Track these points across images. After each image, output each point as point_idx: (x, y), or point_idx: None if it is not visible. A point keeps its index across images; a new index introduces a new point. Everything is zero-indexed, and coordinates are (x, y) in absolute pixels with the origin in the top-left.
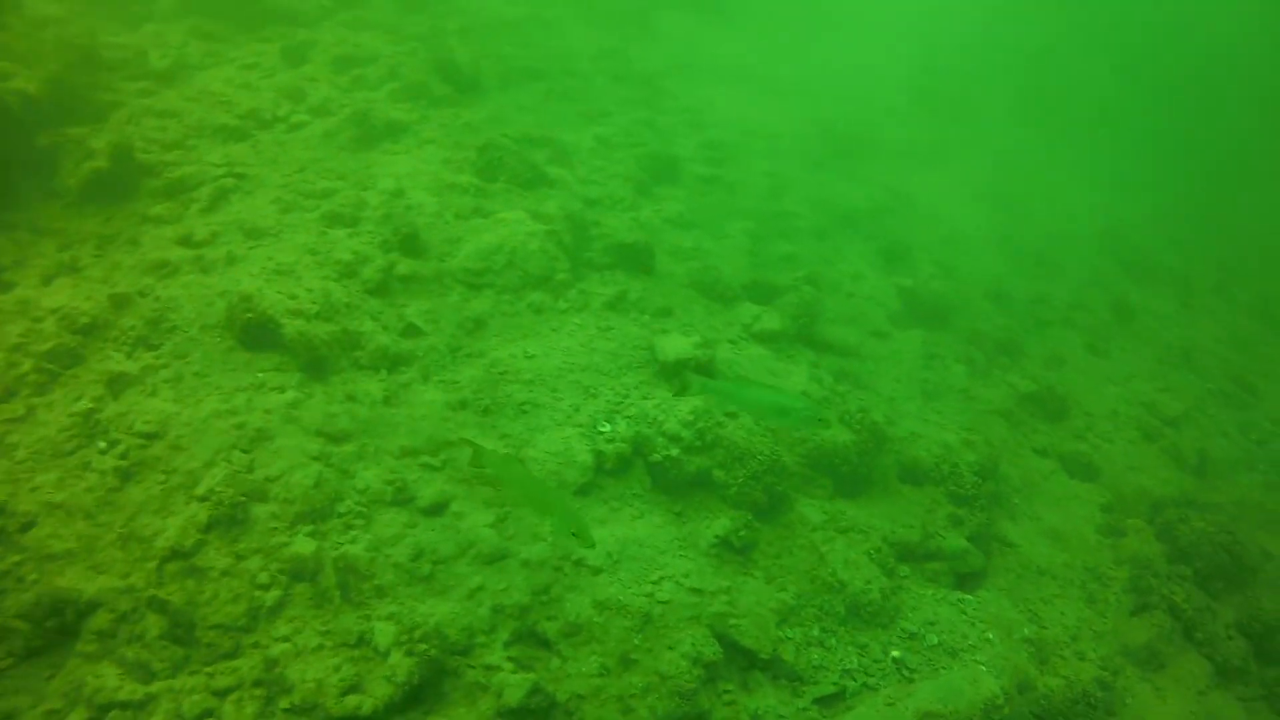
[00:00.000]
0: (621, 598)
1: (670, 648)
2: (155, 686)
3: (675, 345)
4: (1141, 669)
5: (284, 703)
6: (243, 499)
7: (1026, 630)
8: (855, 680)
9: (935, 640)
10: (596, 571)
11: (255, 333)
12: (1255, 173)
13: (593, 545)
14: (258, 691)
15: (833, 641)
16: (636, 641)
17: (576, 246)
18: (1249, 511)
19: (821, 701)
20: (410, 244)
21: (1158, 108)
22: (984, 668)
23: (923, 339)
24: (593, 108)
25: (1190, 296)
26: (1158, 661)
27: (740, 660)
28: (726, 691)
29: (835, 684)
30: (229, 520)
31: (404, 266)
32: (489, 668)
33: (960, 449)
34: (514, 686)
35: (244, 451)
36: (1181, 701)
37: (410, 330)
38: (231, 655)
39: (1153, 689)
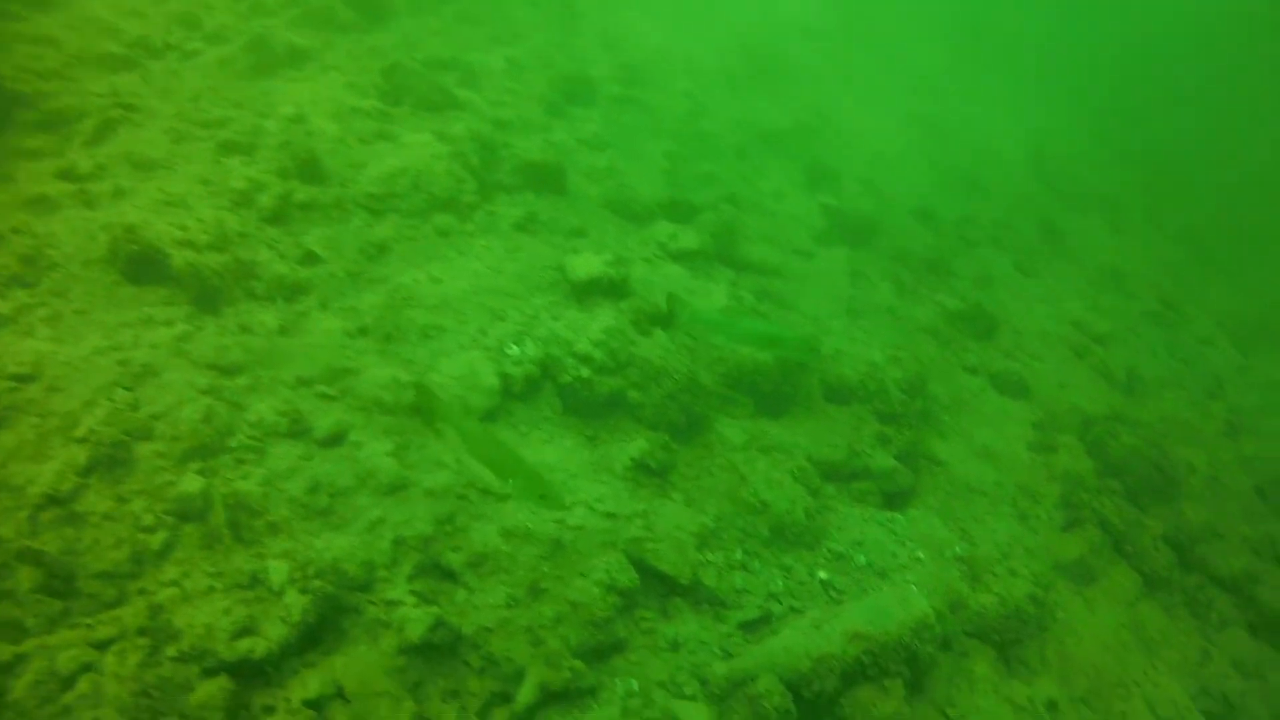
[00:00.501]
0: (530, 525)
1: (583, 575)
2: (27, 645)
3: (586, 264)
4: (1073, 583)
5: (171, 650)
6: (125, 438)
7: (958, 548)
8: (781, 603)
9: (863, 560)
10: (504, 498)
11: (141, 266)
12: (1182, 104)
13: (564, 507)
14: (142, 640)
15: (756, 564)
16: (546, 570)
17: (484, 168)
18: (1174, 427)
19: (746, 626)
20: (310, 170)
21: (1087, 37)
22: (914, 587)
23: (848, 257)
24: (504, 30)
25: (1120, 221)
26: (1089, 575)
27: (659, 586)
28: (645, 619)
29: (760, 608)
30: (110, 461)
31: (303, 193)
32: (391, 603)
33: (887, 367)
34: (416, 621)
35: (127, 389)
36: (1111, 612)
37: (309, 258)
38: (114, 605)
39: (1084, 602)
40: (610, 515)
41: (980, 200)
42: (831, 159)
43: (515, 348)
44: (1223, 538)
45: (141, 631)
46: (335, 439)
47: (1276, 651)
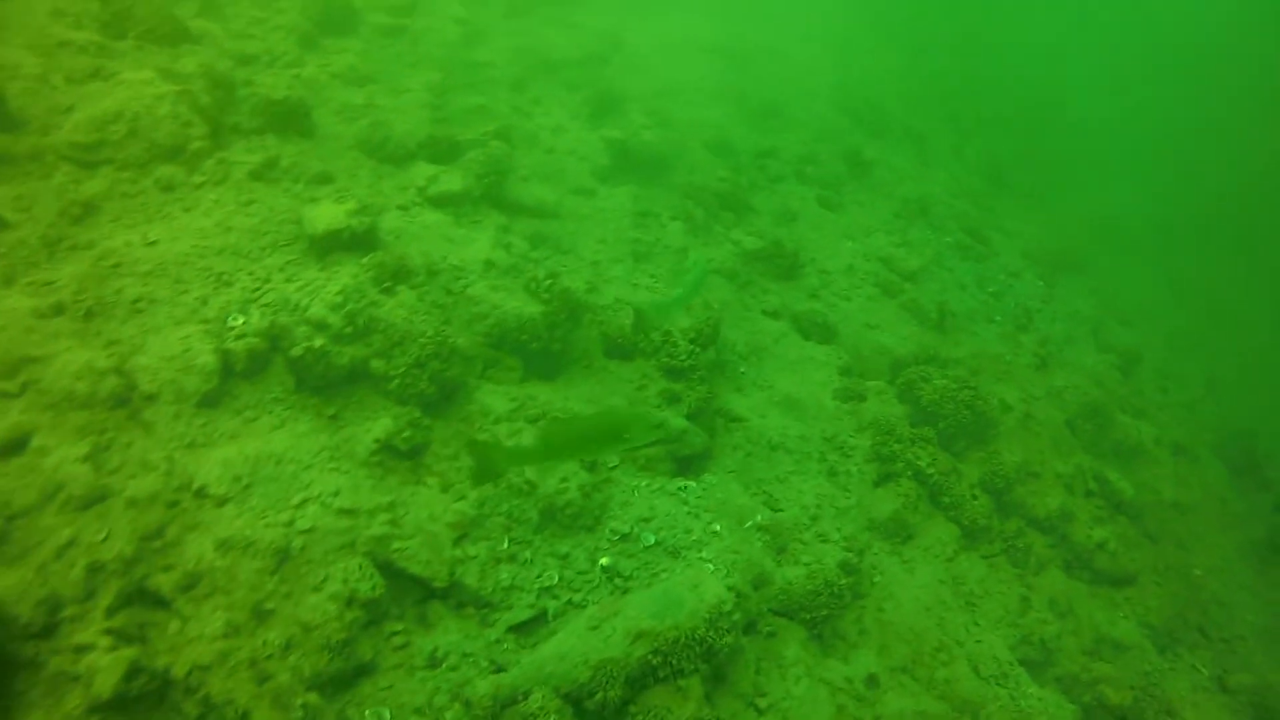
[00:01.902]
0: (251, 532)
1: (315, 589)
2: None
3: (326, 215)
4: (890, 541)
5: None
6: None
7: (760, 516)
8: (558, 598)
9: (652, 540)
10: (221, 502)
11: None
12: (983, 37)
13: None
14: None
15: (527, 555)
16: (271, 586)
17: (219, 109)
18: (987, 363)
19: (518, 629)
20: None
21: None
22: (710, 566)
23: (633, 195)
24: None
25: (927, 154)
26: (906, 532)
27: (412, 592)
28: (395, 634)
29: (532, 607)
30: None
31: None
32: (80, 649)
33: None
34: (106, 671)
35: None
36: (930, 570)
37: None
38: None
39: (901, 562)
40: (348, 512)
41: (784, 130)
42: (621, 89)
43: (240, 318)
44: (1038, 476)
45: None
46: (15, 446)
47: (1085, 585)
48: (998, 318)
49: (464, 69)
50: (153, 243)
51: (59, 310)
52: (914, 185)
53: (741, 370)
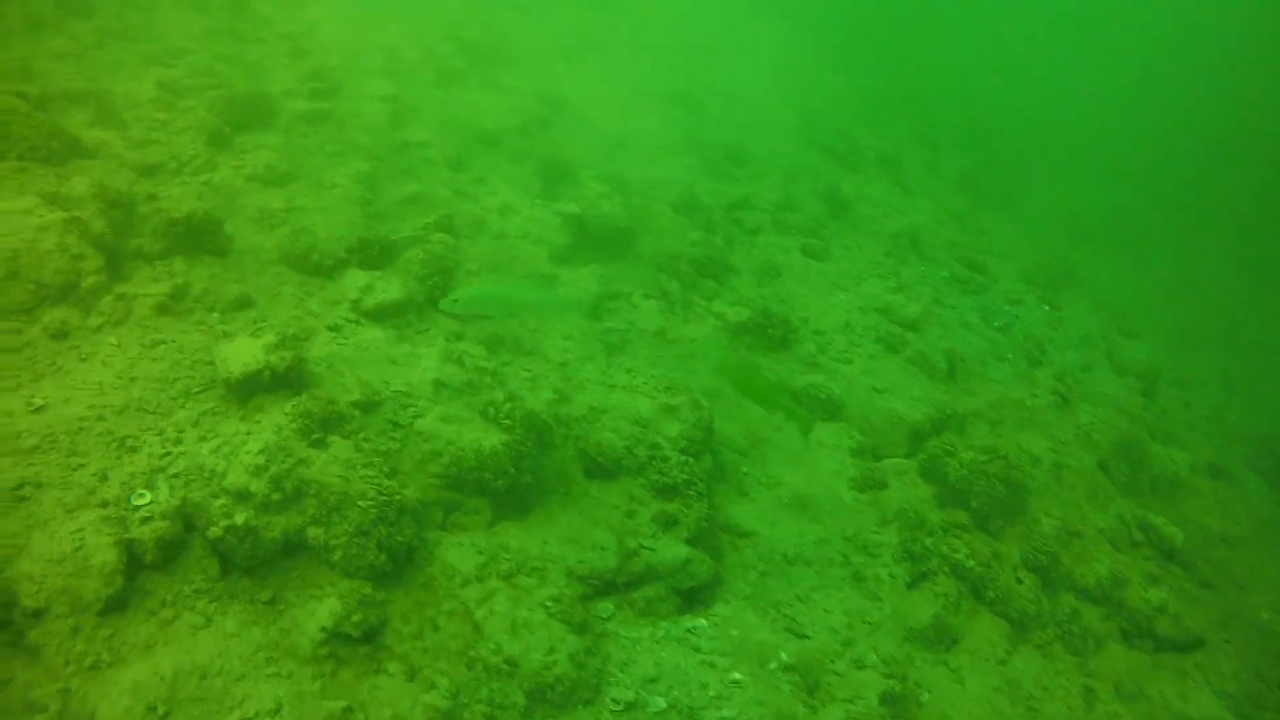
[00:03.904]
0: None
1: None
2: None
3: (242, 354)
4: (933, 651)
5: None
6: None
7: (784, 654)
8: None
9: (663, 704)
10: None
11: None
12: (929, 46)
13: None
14: None
15: None
16: None
17: (116, 234)
18: (1007, 411)
19: None
20: None
21: None
22: None
23: (599, 275)
24: (161, 46)
25: (903, 178)
26: (949, 637)
27: None
28: None
29: None
30: None
31: None
32: None
33: (659, 419)
34: None
35: None
36: (982, 677)
37: None
38: None
39: (949, 672)
40: None
41: (754, 177)
42: (569, 154)
43: (145, 495)
44: (1080, 535)
45: None
46: None
47: (1149, 656)
48: (1009, 355)
49: (395, 153)
50: (39, 408)
51: None
52: (899, 217)
53: (744, 470)
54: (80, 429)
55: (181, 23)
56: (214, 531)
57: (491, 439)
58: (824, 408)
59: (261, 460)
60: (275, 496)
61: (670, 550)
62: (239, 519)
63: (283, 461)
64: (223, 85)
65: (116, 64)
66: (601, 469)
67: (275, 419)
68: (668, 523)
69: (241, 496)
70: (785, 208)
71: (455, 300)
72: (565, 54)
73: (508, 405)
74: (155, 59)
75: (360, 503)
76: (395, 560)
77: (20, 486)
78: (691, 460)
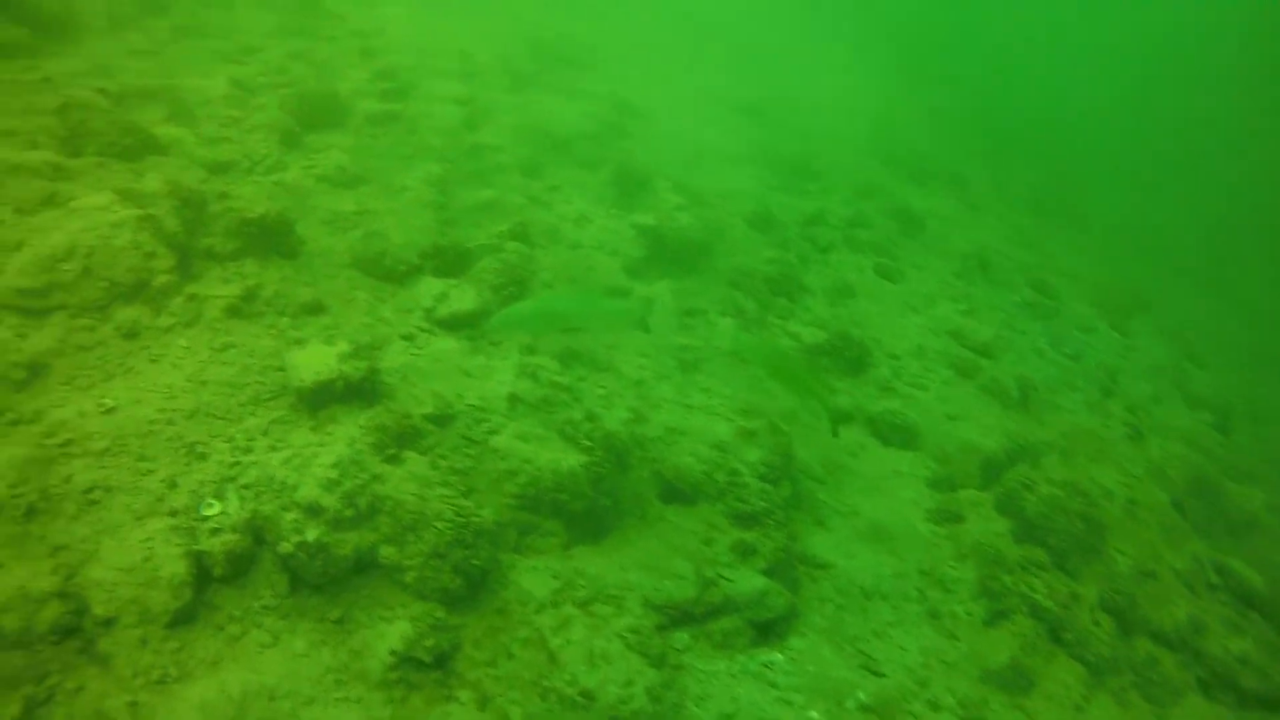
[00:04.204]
0: None
1: None
2: None
3: (314, 362)
4: (1008, 694)
5: None
6: None
7: (861, 693)
8: None
9: None
10: None
11: None
12: (1006, 62)
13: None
14: None
15: None
16: None
17: (188, 233)
18: (1079, 441)
19: None
20: None
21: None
22: None
23: (674, 291)
24: (233, 43)
25: (971, 196)
26: (1026, 680)
27: None
28: None
29: None
30: None
31: None
32: None
33: (738, 444)
34: None
35: None
36: None
37: None
38: None
39: (1025, 718)
40: None
41: (825, 191)
42: (645, 164)
43: (215, 504)
44: (1155, 576)
45: None
46: None
47: (1231, 712)
48: (1080, 383)
49: (468, 156)
50: (110, 410)
51: None
52: (968, 235)
53: (821, 497)
54: (150, 432)
55: (253, 19)
56: (285, 547)
57: (570, 459)
58: (900, 434)
59: (335, 474)
60: (348, 513)
61: (748, 581)
62: (310, 535)
63: (356, 476)
64: (294, 83)
65: (190, 60)
66: (679, 493)
67: (348, 431)
68: (746, 552)
69: (314, 511)
70: (857, 224)
71: (503, 319)
72: (636, 60)
73: (587, 425)
74: (228, 56)
75: (437, 524)
76: (469, 583)
77: (91, 490)
78: (771, 488)
